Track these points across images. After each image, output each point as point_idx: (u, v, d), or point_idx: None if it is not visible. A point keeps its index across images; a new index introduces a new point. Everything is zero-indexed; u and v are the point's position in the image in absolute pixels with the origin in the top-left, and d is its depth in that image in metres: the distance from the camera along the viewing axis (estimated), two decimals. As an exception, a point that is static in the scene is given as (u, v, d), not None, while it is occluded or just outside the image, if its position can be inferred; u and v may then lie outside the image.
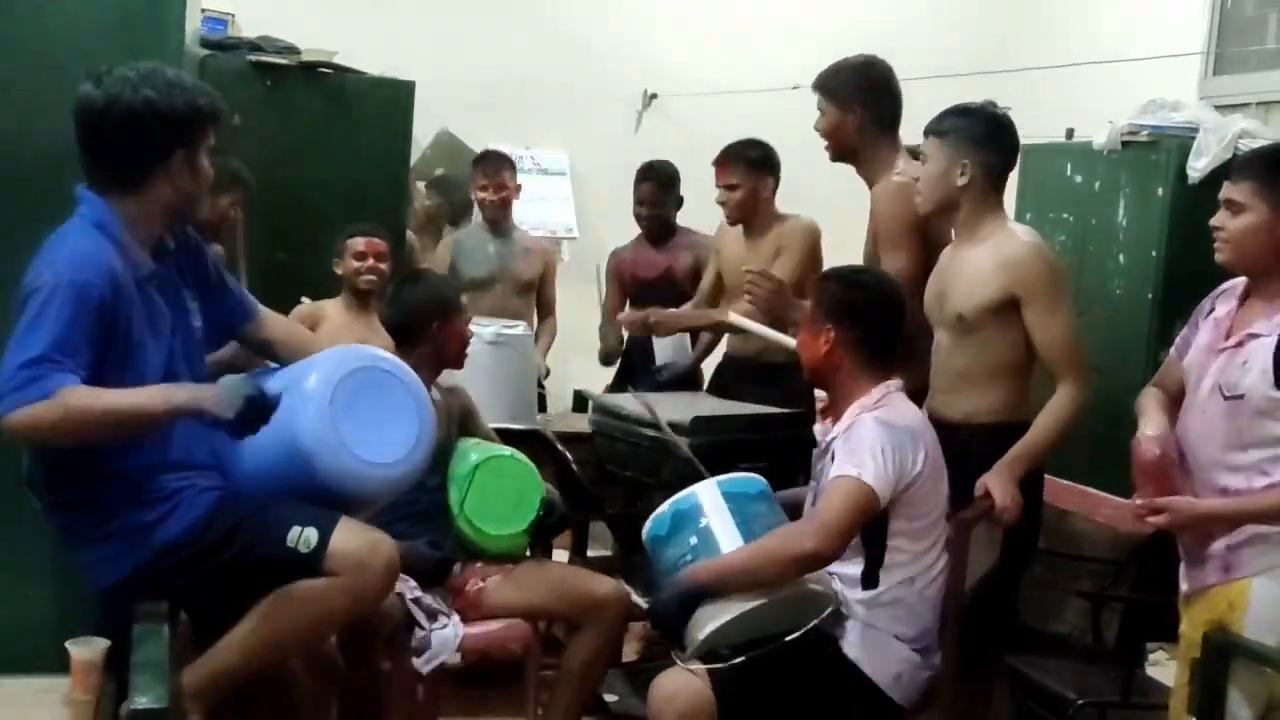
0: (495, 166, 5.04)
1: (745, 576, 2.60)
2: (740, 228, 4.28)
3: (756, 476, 2.83)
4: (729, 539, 2.65)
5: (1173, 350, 2.82)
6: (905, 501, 2.66)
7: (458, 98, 5.91)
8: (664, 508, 2.76)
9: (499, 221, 5.00)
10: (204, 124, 2.40)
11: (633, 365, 4.93)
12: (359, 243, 4.10)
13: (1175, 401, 2.73)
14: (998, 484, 2.82)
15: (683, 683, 2.65)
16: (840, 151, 3.55)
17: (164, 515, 2.34)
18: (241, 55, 4.42)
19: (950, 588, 2.62)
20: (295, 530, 2.35)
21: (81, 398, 2.18)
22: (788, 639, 2.58)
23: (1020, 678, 3.18)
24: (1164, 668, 3.92)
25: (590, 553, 4.30)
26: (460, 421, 3.44)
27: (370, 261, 4.09)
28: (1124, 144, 4.76)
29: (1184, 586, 2.67)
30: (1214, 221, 2.61)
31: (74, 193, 2.38)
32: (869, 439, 2.65)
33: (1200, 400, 2.61)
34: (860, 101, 3.43)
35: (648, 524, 2.80)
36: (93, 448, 2.29)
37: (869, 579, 2.71)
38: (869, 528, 2.67)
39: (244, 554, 2.36)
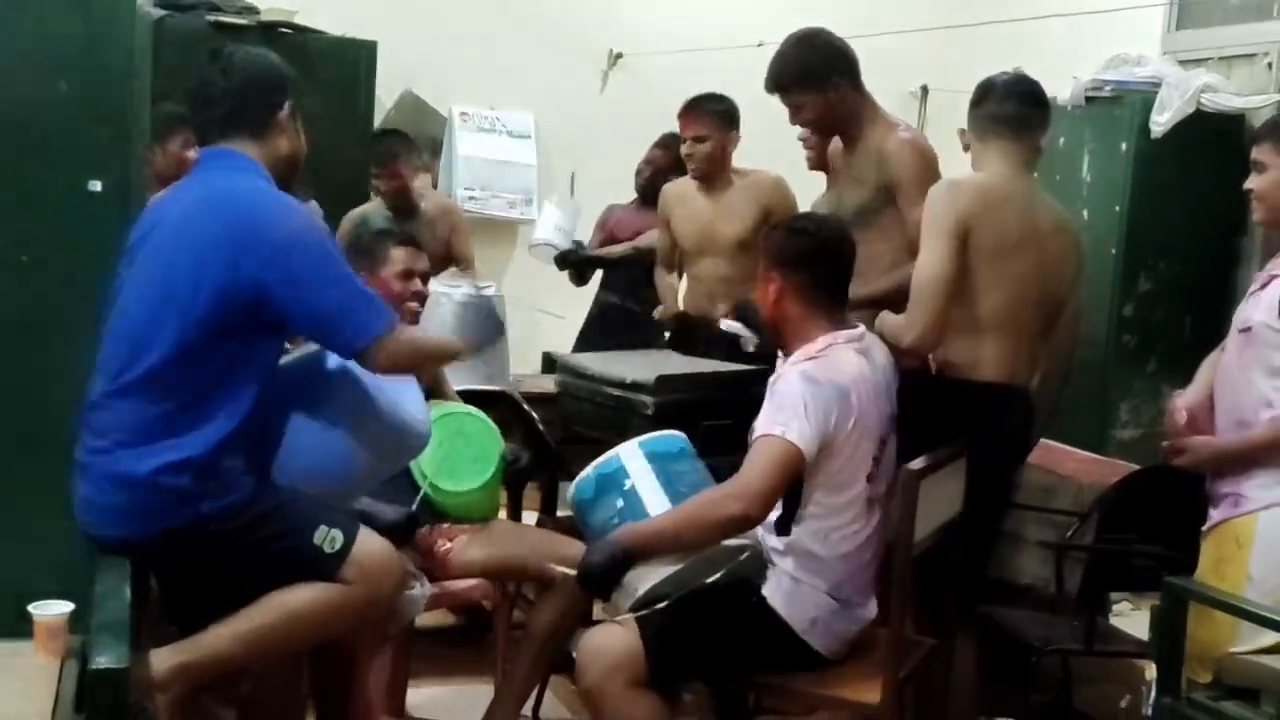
0: (388, 153, 4.74)
1: (674, 542, 2.62)
2: (691, 187, 4.28)
3: (677, 434, 2.85)
4: (654, 500, 2.67)
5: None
6: (824, 457, 2.65)
7: (422, 58, 5.85)
8: (588, 471, 2.78)
9: (401, 208, 4.75)
10: (292, 86, 2.59)
11: (599, 320, 4.98)
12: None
13: None
14: None
15: (611, 638, 2.66)
16: (831, 131, 3.50)
17: (211, 490, 2.32)
18: (199, 15, 4.39)
19: (899, 539, 2.62)
20: (323, 530, 2.39)
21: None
22: (708, 581, 2.59)
23: (984, 627, 3.21)
24: (1127, 618, 3.98)
25: (559, 513, 4.31)
26: (428, 388, 3.42)
27: None
28: (1088, 99, 4.79)
29: (1204, 529, 2.74)
30: (1246, 184, 2.78)
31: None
32: (792, 394, 2.63)
33: (1230, 340, 2.74)
34: (835, 71, 3.35)
35: (573, 488, 2.81)
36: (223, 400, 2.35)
37: (782, 526, 2.71)
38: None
39: (271, 541, 2.38)
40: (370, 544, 2.45)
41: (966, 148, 3.24)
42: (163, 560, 2.38)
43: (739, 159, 4.30)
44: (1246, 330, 2.64)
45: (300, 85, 2.62)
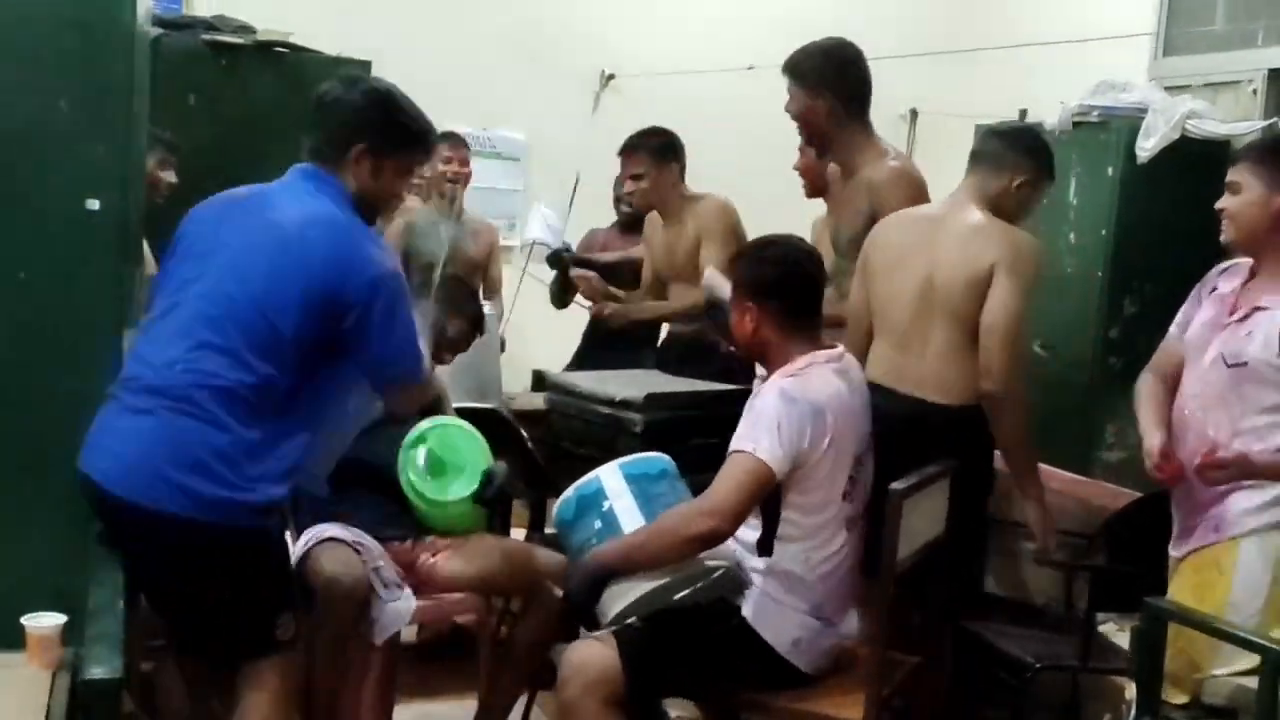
0: (461, 142, 5.11)
1: (647, 557, 2.65)
2: (657, 215, 4.39)
3: (660, 456, 2.88)
4: (631, 521, 2.70)
5: (1173, 329, 2.92)
6: (799, 476, 2.68)
7: (415, 78, 5.81)
8: (569, 492, 2.81)
9: (454, 199, 5.01)
10: (393, 132, 2.64)
11: (593, 342, 5.00)
12: None
13: (1172, 383, 2.84)
14: None
15: (592, 654, 2.70)
16: (811, 135, 3.55)
17: (269, 505, 2.44)
18: (196, 34, 4.41)
19: (883, 558, 2.65)
20: (287, 616, 2.49)
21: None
22: (682, 595, 2.63)
23: (982, 644, 3.25)
24: (1113, 639, 4.00)
25: (548, 529, 4.32)
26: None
27: None
28: (1075, 124, 4.83)
29: (1175, 554, 2.76)
30: (1218, 204, 2.77)
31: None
32: (768, 412, 2.66)
33: (1202, 371, 2.73)
34: (828, 86, 3.41)
35: (555, 508, 2.85)
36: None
37: (764, 546, 2.74)
38: (766, 497, 2.70)
39: (247, 586, 2.45)
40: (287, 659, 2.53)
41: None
42: (147, 546, 2.40)
43: (720, 173, 4.39)
44: (1240, 365, 2.63)
45: (400, 125, 2.67)
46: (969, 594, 3.26)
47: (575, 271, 4.75)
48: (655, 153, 4.30)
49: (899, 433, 2.99)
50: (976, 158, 3.28)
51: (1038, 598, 3.55)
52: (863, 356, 3.20)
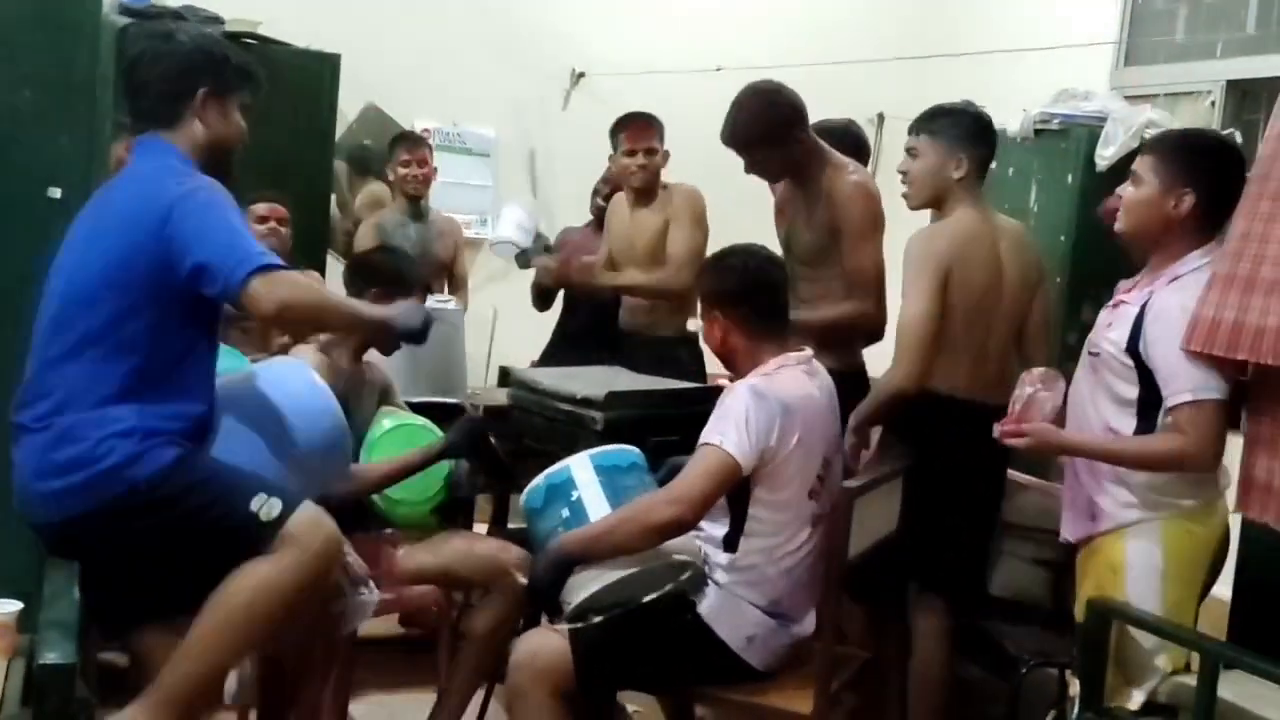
0: (418, 143, 5.14)
1: (611, 544, 2.67)
2: (622, 201, 4.42)
3: (630, 449, 2.90)
4: (599, 512, 2.72)
5: None
6: (766, 473, 2.72)
7: (385, 72, 5.90)
8: (538, 480, 2.82)
9: (420, 199, 5.03)
10: (230, 70, 2.55)
11: (562, 340, 5.02)
12: (261, 208, 4.25)
13: None
14: None
15: (544, 644, 2.74)
16: (783, 177, 3.64)
17: (134, 456, 2.31)
18: (164, 25, 4.40)
19: (832, 554, 2.69)
20: (261, 497, 2.35)
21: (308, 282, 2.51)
22: (645, 600, 2.65)
23: (980, 639, 3.32)
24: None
25: (510, 524, 4.35)
26: (381, 394, 3.47)
27: (271, 224, 4.22)
28: (1036, 132, 4.89)
29: (1069, 537, 2.79)
30: (1119, 190, 2.75)
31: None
32: (736, 407, 2.71)
33: (1082, 355, 2.78)
34: (797, 126, 3.49)
35: (524, 496, 2.86)
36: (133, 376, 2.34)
37: (730, 542, 2.78)
38: (734, 492, 2.74)
39: (206, 508, 2.34)
40: (308, 513, 2.41)
41: (914, 156, 3.31)
42: (95, 545, 2.34)
43: (689, 174, 4.42)
44: (1095, 354, 2.67)
45: (235, 64, 2.57)
46: (976, 594, 3.31)
47: (536, 260, 4.75)
48: (661, 132, 4.35)
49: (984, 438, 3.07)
50: (983, 164, 3.34)
51: (1022, 595, 3.59)
52: (928, 366, 3.11)
